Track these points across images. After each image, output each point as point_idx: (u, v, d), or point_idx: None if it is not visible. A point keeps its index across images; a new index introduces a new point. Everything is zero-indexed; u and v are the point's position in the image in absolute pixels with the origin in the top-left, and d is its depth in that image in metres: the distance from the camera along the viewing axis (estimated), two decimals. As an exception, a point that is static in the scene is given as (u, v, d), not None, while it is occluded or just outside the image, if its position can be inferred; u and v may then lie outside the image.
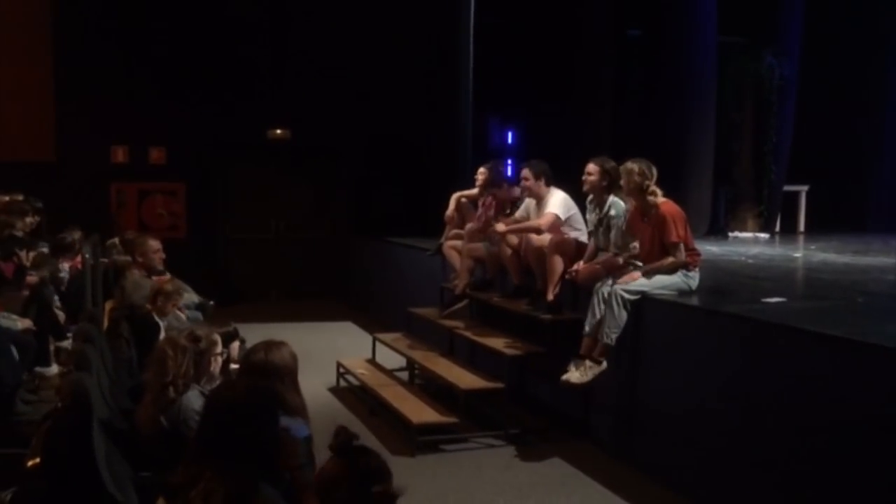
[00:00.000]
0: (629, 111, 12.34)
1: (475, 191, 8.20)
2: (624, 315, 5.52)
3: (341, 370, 7.85)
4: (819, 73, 12.07)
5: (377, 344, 8.12)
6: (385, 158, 12.50)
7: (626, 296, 5.53)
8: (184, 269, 8.36)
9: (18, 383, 5.68)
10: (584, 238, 6.64)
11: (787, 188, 12.16)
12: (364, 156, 12.67)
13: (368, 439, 5.87)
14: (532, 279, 6.82)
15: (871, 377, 3.97)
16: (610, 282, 5.65)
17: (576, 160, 6.66)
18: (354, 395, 7.51)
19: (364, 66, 12.23)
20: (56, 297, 6.97)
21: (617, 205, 6.13)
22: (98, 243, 8.09)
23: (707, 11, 11.12)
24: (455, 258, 7.86)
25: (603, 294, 5.60)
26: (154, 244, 7.61)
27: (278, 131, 12.55)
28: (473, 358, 7.29)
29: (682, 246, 5.60)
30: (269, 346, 3.71)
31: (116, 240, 9.02)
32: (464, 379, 6.55)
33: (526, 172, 6.83)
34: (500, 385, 6.45)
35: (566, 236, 6.58)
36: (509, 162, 12.46)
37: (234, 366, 4.75)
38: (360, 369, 7.63)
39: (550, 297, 6.37)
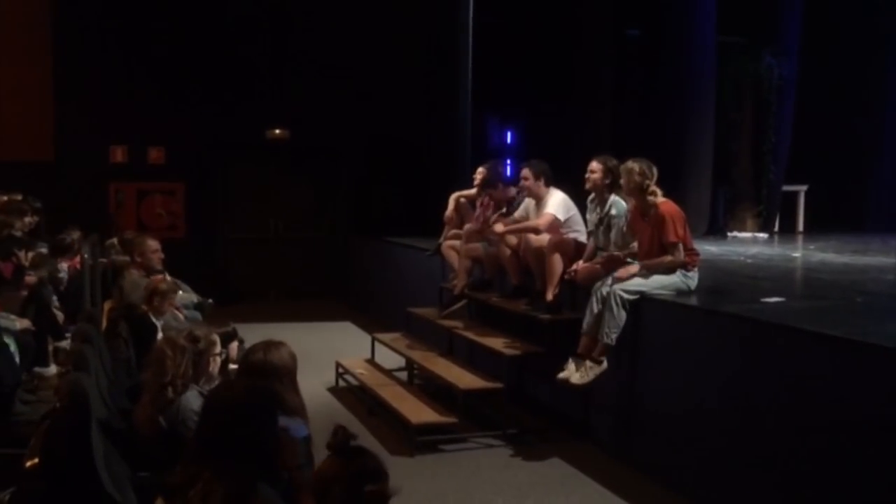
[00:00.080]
0: (628, 111, 12.33)
1: (474, 191, 8.19)
2: (623, 315, 5.52)
3: (340, 370, 7.85)
4: (818, 73, 12.07)
5: (376, 344, 8.12)
6: (384, 158, 12.50)
7: (625, 296, 5.53)
8: (183, 269, 8.37)
9: (18, 383, 5.67)
10: (583, 238, 6.64)
11: (786, 188, 12.17)
12: (363, 156, 12.67)
13: (367, 439, 5.87)
14: (531, 279, 6.81)
15: (870, 377, 3.97)
16: (609, 281, 5.65)
17: (575, 160, 6.66)
18: (353, 395, 7.50)
19: (363, 66, 12.23)
20: (55, 298, 6.96)
21: (618, 204, 6.13)
22: (97, 243, 8.08)
23: (706, 11, 11.12)
24: (454, 258, 7.86)
25: (601, 294, 5.60)
26: (153, 244, 7.60)
27: (277, 131, 12.54)
28: (472, 358, 7.29)
29: (680, 246, 5.61)
30: (268, 346, 3.70)
31: (115, 240, 9.01)
32: (463, 379, 6.55)
33: (526, 172, 6.83)
34: (499, 385, 6.45)
35: (565, 236, 6.58)
36: (508, 162, 12.45)
37: (232, 366, 4.76)
38: (360, 369, 7.62)
39: (550, 297, 6.37)
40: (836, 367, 4.16)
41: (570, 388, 5.69)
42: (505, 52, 12.56)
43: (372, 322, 10.49)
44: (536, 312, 6.46)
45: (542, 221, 6.68)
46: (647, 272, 5.61)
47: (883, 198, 13.02)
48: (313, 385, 7.26)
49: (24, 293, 6.70)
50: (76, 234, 8.05)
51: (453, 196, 8.43)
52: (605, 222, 6.24)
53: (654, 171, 5.68)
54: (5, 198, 8.82)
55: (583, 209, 6.66)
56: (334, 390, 7.70)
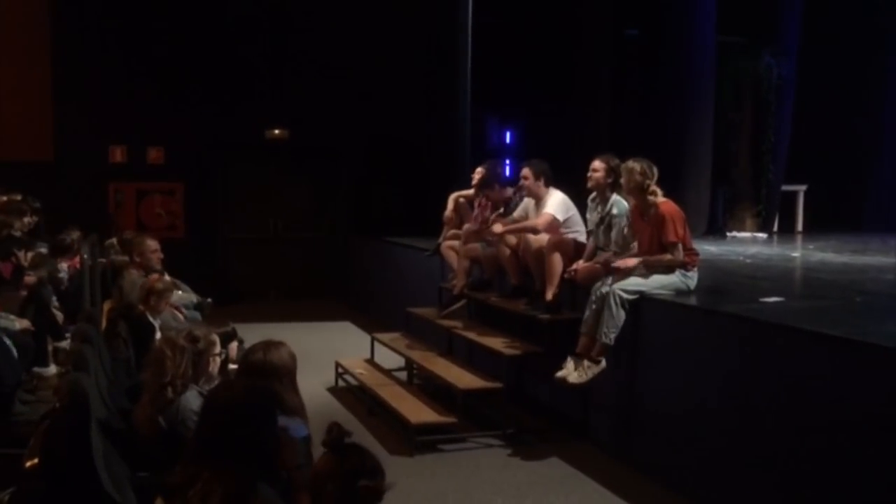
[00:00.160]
0: (628, 111, 12.33)
1: (473, 191, 8.19)
2: (622, 315, 5.52)
3: (340, 370, 7.85)
4: (817, 72, 12.07)
5: (376, 344, 8.12)
6: (384, 158, 12.50)
7: (625, 295, 5.53)
8: (182, 268, 8.37)
9: (19, 383, 5.67)
10: (582, 238, 6.64)
11: (785, 188, 12.17)
12: (363, 156, 12.67)
13: (367, 439, 5.88)
14: (530, 279, 6.81)
15: (869, 377, 3.97)
16: (609, 281, 5.65)
17: (575, 160, 6.67)
18: (353, 394, 7.51)
19: (363, 66, 12.23)
20: (54, 298, 6.96)
21: (620, 204, 6.13)
22: (96, 243, 8.08)
23: (706, 11, 11.12)
24: (453, 258, 7.86)
25: (601, 293, 5.61)
26: (152, 244, 7.60)
27: (277, 131, 12.54)
28: (472, 358, 7.29)
29: (680, 246, 5.61)
30: (268, 346, 3.71)
31: (114, 240, 9.01)
32: (462, 379, 6.55)
33: (526, 171, 6.83)
34: (498, 385, 6.45)
35: (564, 236, 6.58)
36: (507, 162, 12.45)
37: (232, 366, 4.76)
38: (359, 369, 7.63)
39: (550, 296, 6.37)
40: (835, 367, 4.16)
41: (567, 387, 5.69)
42: (504, 52, 12.56)
43: (371, 322, 10.49)
44: (536, 312, 6.46)
45: (540, 221, 6.68)
46: (646, 269, 5.61)
47: (882, 197, 13.02)
48: (313, 385, 7.26)
49: (24, 293, 6.69)
50: (76, 235, 8.05)
51: (452, 196, 8.43)
52: (606, 221, 6.24)
53: (655, 170, 5.68)
54: (5, 198, 8.81)
55: (582, 209, 6.66)
56: (334, 390, 7.70)
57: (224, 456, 2.43)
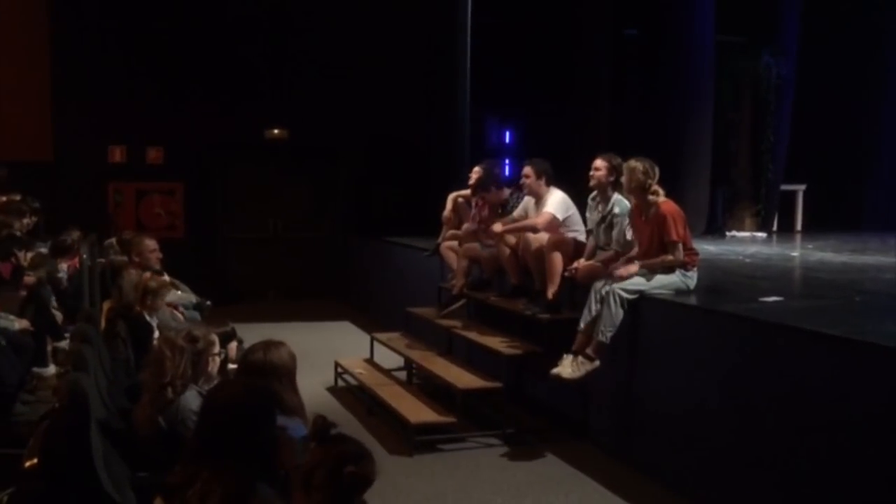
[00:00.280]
0: (627, 111, 12.34)
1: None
2: (621, 313, 5.52)
3: (339, 370, 7.85)
4: (816, 72, 12.07)
5: (375, 343, 8.12)
6: (383, 158, 12.50)
7: (624, 294, 5.53)
8: (182, 268, 8.37)
9: (23, 383, 5.68)
10: (582, 238, 6.64)
11: (784, 187, 12.17)
12: (363, 155, 12.67)
13: (366, 439, 5.86)
14: (530, 279, 6.81)
15: (869, 376, 3.97)
16: (609, 280, 5.65)
17: (574, 159, 6.67)
18: (352, 394, 7.51)
19: (362, 66, 12.23)
20: (53, 298, 6.96)
21: (621, 203, 6.12)
22: (95, 243, 8.08)
23: (705, 11, 11.12)
24: (452, 258, 7.86)
25: (601, 292, 5.61)
26: (150, 244, 7.60)
27: (276, 131, 12.54)
28: (471, 357, 7.29)
29: (680, 245, 5.61)
30: (268, 345, 3.71)
31: (114, 240, 9.01)
32: (462, 378, 6.55)
33: (528, 170, 6.82)
34: (497, 385, 6.44)
35: (564, 235, 6.58)
36: (507, 161, 12.46)
37: (231, 366, 4.76)
38: (359, 369, 7.63)
39: (550, 294, 6.36)
40: (834, 367, 4.16)
41: (561, 381, 5.68)
42: (504, 52, 12.56)
43: (371, 322, 10.49)
44: (535, 312, 6.46)
45: (540, 220, 6.68)
46: (647, 271, 5.61)
47: (881, 197, 13.02)
48: (312, 385, 7.26)
49: (23, 293, 6.70)
50: (76, 235, 8.06)
51: (451, 196, 8.42)
52: (607, 220, 6.24)
53: (657, 170, 5.68)
54: (4, 198, 8.82)
55: (582, 208, 6.66)
56: (333, 390, 7.70)
57: (223, 456, 2.43)
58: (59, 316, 6.76)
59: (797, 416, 4.32)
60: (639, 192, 5.72)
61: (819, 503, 4.20)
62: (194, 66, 11.97)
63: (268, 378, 3.51)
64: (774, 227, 12.10)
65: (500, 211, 7.43)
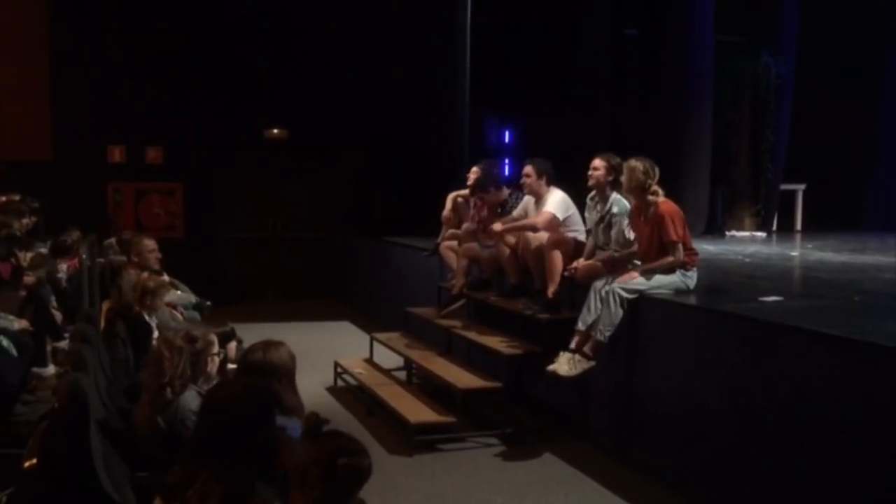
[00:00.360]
0: (627, 110, 12.34)
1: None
2: (620, 313, 5.52)
3: (339, 370, 7.85)
4: (816, 72, 12.08)
5: (375, 343, 8.12)
6: (383, 158, 12.50)
7: (624, 294, 5.53)
8: (181, 268, 8.37)
9: (24, 383, 5.67)
10: (581, 237, 6.64)
11: (784, 187, 12.18)
12: (362, 155, 12.67)
13: (366, 439, 5.86)
14: (530, 279, 6.81)
15: (868, 376, 3.97)
16: (609, 279, 5.65)
17: (574, 159, 6.67)
18: (352, 394, 7.50)
19: (362, 66, 12.24)
20: (53, 298, 6.96)
21: (620, 202, 6.13)
22: (95, 243, 8.08)
23: (705, 10, 11.13)
24: (452, 258, 7.86)
25: (601, 292, 5.61)
26: (149, 244, 7.59)
27: (276, 131, 12.54)
28: (471, 357, 7.29)
29: (680, 245, 5.61)
30: (268, 345, 3.71)
31: (113, 240, 9.01)
32: (461, 378, 6.55)
33: (528, 169, 6.82)
34: (497, 384, 6.44)
35: (564, 235, 6.58)
36: (506, 161, 12.46)
37: (231, 366, 4.76)
38: (358, 369, 7.63)
39: (550, 294, 6.36)
40: (834, 366, 4.16)
41: (557, 379, 5.68)
42: (503, 52, 12.56)
43: (371, 322, 10.49)
44: (535, 311, 6.46)
45: (540, 219, 6.68)
46: (648, 274, 5.62)
47: (880, 196, 13.03)
48: (312, 385, 7.26)
49: (23, 293, 6.69)
50: (76, 235, 8.05)
51: (451, 196, 8.42)
52: (605, 220, 6.24)
53: (657, 171, 5.68)
54: (3, 198, 8.81)
55: (582, 208, 6.66)
56: (333, 390, 7.70)
57: (223, 456, 2.43)
58: (58, 316, 6.76)
59: (797, 415, 4.31)
60: (638, 191, 5.72)
61: (819, 503, 4.20)
62: (194, 66, 11.97)
63: (267, 378, 3.51)
64: (774, 227, 12.10)
65: (499, 210, 7.42)
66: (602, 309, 5.56)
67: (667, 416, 5.37)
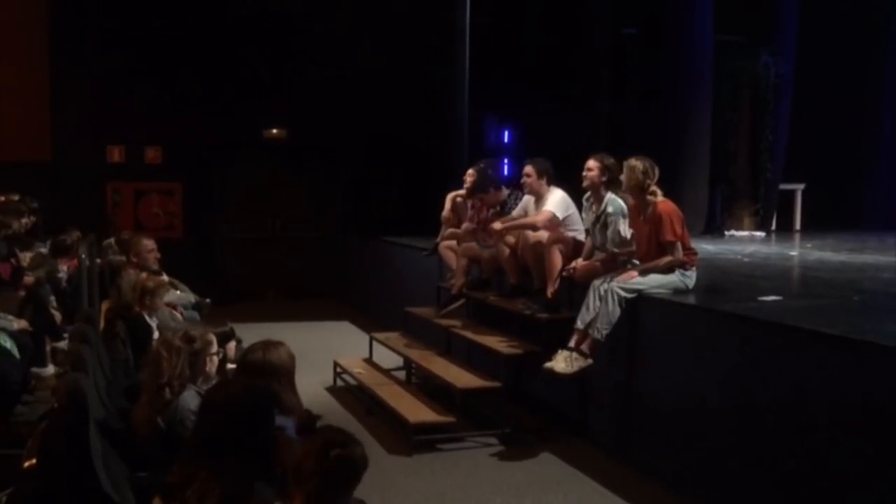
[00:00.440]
0: (626, 110, 12.34)
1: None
2: (618, 312, 5.53)
3: (338, 370, 7.85)
4: (815, 71, 12.09)
5: (374, 343, 8.12)
6: (382, 158, 12.50)
7: (623, 293, 5.54)
8: (181, 268, 8.37)
9: (26, 383, 5.67)
10: (581, 237, 6.64)
11: (783, 187, 12.18)
12: (362, 155, 12.67)
13: (365, 438, 5.85)
14: (529, 279, 6.81)
15: (868, 375, 3.97)
16: (608, 278, 5.65)
17: (573, 159, 6.67)
18: (351, 394, 7.50)
19: (362, 66, 12.24)
20: (52, 298, 6.95)
21: (615, 202, 6.13)
22: (94, 243, 8.08)
23: (704, 10, 11.14)
24: (451, 258, 7.86)
25: (599, 291, 5.61)
26: (148, 243, 7.59)
27: (275, 131, 12.54)
28: (470, 357, 7.29)
29: (678, 245, 5.61)
30: (268, 345, 3.71)
31: (112, 240, 9.00)
32: (461, 378, 6.55)
33: (529, 169, 6.83)
34: (496, 384, 6.45)
35: (564, 234, 6.58)
36: (506, 161, 12.47)
37: (230, 366, 4.76)
38: (358, 369, 7.62)
39: (550, 293, 6.36)
40: (833, 366, 4.16)
41: (554, 376, 5.68)
42: (503, 52, 12.57)
43: (370, 322, 10.49)
44: (534, 311, 6.46)
45: (540, 218, 6.68)
46: (646, 273, 5.62)
47: (879, 196, 13.04)
48: (311, 384, 7.26)
49: (22, 294, 6.69)
50: (76, 235, 8.05)
51: (450, 196, 8.41)
52: (601, 220, 6.24)
53: (657, 171, 5.69)
54: (2, 198, 8.80)
55: (581, 208, 6.66)
56: (332, 390, 7.70)
57: (222, 455, 2.43)
58: (57, 316, 6.76)
59: (797, 415, 4.31)
60: (637, 191, 5.72)
61: (819, 503, 4.20)
62: (193, 66, 11.97)
63: (267, 378, 3.51)
64: (773, 227, 12.11)
65: (498, 210, 7.42)
66: (600, 307, 5.56)
67: (666, 415, 5.37)
